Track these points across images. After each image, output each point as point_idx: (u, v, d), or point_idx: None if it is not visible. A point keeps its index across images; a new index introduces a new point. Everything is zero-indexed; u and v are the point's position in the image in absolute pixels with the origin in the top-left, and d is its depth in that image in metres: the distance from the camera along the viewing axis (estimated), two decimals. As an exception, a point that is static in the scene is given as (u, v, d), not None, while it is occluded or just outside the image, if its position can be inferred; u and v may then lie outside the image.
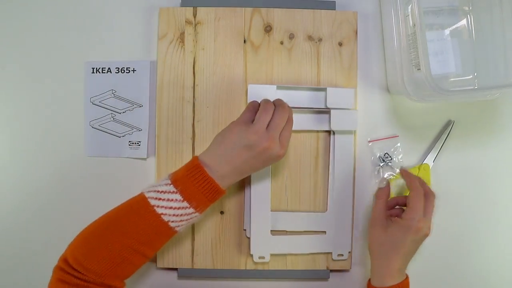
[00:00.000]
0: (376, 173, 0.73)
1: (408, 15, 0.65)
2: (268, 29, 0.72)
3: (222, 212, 0.71)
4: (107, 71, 0.71)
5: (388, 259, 0.62)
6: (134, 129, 0.71)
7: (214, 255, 0.71)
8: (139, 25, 0.73)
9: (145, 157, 0.72)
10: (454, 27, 0.72)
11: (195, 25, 0.71)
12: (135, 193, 0.60)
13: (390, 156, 0.73)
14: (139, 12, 0.73)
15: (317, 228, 0.71)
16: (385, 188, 0.67)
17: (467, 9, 0.72)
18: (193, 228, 0.71)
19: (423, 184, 0.64)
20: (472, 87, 0.72)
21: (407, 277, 0.63)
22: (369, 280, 0.65)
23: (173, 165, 0.71)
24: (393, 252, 0.62)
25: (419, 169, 0.72)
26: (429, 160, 0.72)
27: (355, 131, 0.71)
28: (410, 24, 0.65)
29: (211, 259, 0.71)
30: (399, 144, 0.73)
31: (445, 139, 0.72)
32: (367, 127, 0.73)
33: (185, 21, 0.71)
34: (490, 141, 0.74)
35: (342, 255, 0.71)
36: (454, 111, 0.73)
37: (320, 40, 0.72)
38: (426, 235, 0.62)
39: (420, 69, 0.62)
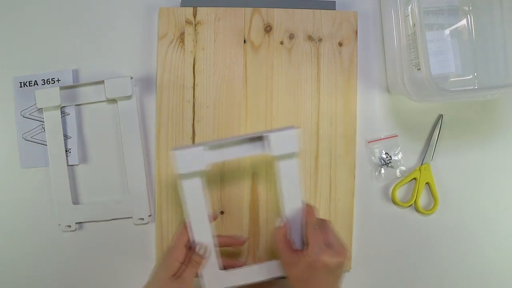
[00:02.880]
0: (376, 173, 0.73)
1: (408, 15, 0.65)
2: (268, 29, 0.72)
3: (222, 212, 0.71)
4: (34, 84, 0.73)
5: None
6: (64, 137, 0.72)
7: (214, 255, 0.71)
8: (139, 25, 0.73)
9: (77, 163, 0.72)
10: (454, 27, 0.72)
11: (195, 25, 0.71)
12: None
13: (390, 156, 0.73)
14: (139, 12, 0.73)
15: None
16: (282, 228, 0.60)
17: (467, 9, 0.72)
18: (193, 228, 0.71)
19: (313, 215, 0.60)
20: (472, 87, 0.72)
21: None
22: None
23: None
24: None
25: (420, 170, 0.72)
26: (428, 159, 0.72)
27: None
28: (410, 24, 0.65)
29: (211, 259, 0.71)
30: (398, 144, 0.73)
31: (438, 135, 0.72)
32: (366, 127, 0.73)
33: (185, 21, 0.71)
34: (490, 141, 0.74)
35: None
36: (453, 111, 0.73)
37: (320, 40, 0.72)
38: (341, 265, 0.57)
39: (420, 69, 0.62)
